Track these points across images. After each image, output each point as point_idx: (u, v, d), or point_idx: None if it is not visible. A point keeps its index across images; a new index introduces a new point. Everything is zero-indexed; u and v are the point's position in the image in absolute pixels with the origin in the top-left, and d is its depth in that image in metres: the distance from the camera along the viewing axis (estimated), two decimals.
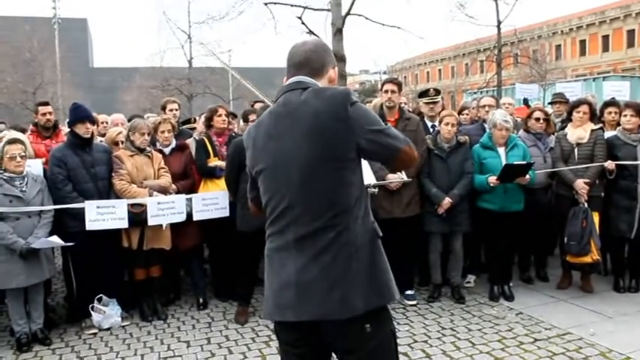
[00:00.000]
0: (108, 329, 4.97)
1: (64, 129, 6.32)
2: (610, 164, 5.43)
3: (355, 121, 2.10)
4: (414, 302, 5.44)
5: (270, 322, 4.94)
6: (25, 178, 4.67)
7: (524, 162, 5.26)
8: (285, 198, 2.16)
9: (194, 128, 6.92)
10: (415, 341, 4.56)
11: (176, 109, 6.72)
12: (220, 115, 5.64)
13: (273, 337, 4.68)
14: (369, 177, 2.48)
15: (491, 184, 5.20)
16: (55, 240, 4.64)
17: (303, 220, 2.13)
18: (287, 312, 2.15)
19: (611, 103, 6.22)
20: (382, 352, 2.19)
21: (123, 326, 5.06)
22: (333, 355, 2.30)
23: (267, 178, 2.24)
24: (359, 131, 2.10)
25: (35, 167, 4.96)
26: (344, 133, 2.10)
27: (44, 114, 5.95)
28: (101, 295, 5.07)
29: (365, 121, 2.12)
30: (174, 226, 5.23)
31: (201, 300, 5.56)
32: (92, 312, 4.97)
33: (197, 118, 7.44)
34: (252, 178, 2.35)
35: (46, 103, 6.23)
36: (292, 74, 2.28)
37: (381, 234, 2.23)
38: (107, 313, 5.00)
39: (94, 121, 5.17)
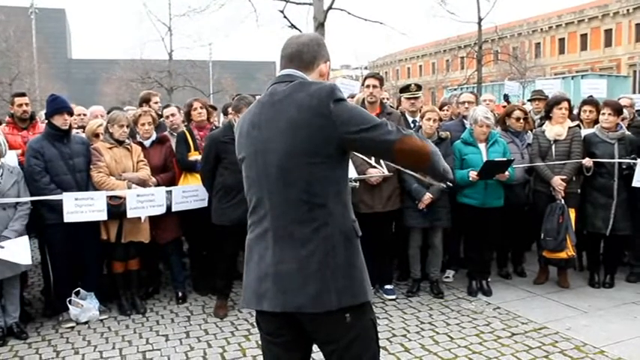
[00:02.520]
0: (86, 323, 4.92)
1: (39, 119, 6.23)
2: (588, 161, 5.50)
3: (338, 118, 2.07)
4: (393, 297, 5.47)
5: (250, 316, 4.97)
6: (0, 170, 4.58)
7: (505, 159, 5.31)
8: (263, 187, 2.18)
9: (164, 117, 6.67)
10: (394, 335, 4.59)
11: (158, 102, 6.69)
12: (196, 109, 5.70)
13: (253, 330, 4.68)
14: (350, 171, 2.48)
15: (472, 179, 5.23)
16: (16, 256, 4.42)
17: (280, 211, 2.14)
18: (264, 302, 2.17)
19: (589, 101, 6.29)
20: (363, 341, 2.20)
21: (101, 320, 5.00)
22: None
23: (248, 167, 2.26)
24: (341, 129, 2.07)
25: (10, 159, 4.88)
26: (324, 129, 2.08)
27: (20, 105, 5.84)
28: (79, 288, 5.02)
29: (349, 120, 2.08)
30: (153, 219, 5.19)
31: (180, 294, 5.53)
32: (69, 305, 4.91)
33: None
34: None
35: (22, 94, 6.11)
36: (284, 66, 2.30)
37: (360, 233, 2.22)
38: (85, 306, 4.94)
39: (72, 113, 5.09)
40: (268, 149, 2.15)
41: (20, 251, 4.48)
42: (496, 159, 5.27)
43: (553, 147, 5.67)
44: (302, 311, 2.10)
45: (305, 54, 2.28)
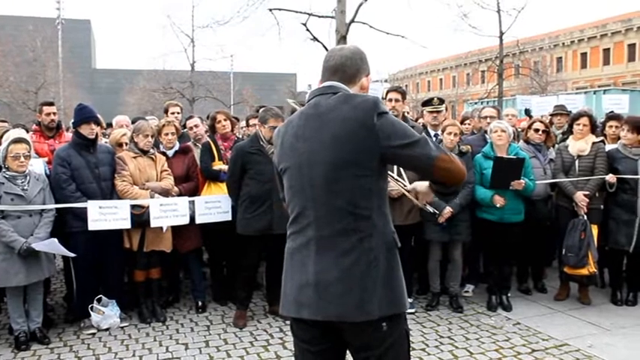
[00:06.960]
0: (106, 330, 4.98)
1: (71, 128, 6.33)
2: (612, 177, 5.46)
3: (381, 132, 2.12)
4: (413, 310, 5.44)
5: (269, 327, 4.99)
6: (27, 177, 4.67)
7: (515, 157, 5.27)
8: (308, 198, 2.22)
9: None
10: (413, 349, 4.55)
11: (178, 112, 6.77)
12: (220, 122, 5.78)
13: (272, 341, 4.71)
14: None
15: (499, 205, 5.23)
16: (59, 247, 4.63)
17: (325, 221, 2.18)
18: (304, 310, 2.20)
19: (613, 116, 6.25)
20: (396, 350, 2.24)
21: (121, 327, 5.06)
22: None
23: (292, 177, 2.29)
24: (384, 143, 2.12)
25: (37, 166, 4.98)
26: (368, 142, 2.13)
27: (48, 114, 5.98)
28: (100, 295, 5.09)
29: (391, 134, 2.13)
30: (174, 229, 5.25)
31: (200, 303, 5.56)
32: (91, 312, 4.98)
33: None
34: (280, 177, 2.40)
35: (50, 104, 6.25)
36: (326, 78, 2.33)
37: (399, 244, 2.28)
38: (106, 313, 5.00)
39: (98, 122, 5.19)
40: (314, 160, 2.19)
41: (56, 246, 4.61)
42: (506, 156, 5.24)
43: (576, 162, 5.63)
44: (343, 320, 2.14)
45: (349, 67, 2.32)
